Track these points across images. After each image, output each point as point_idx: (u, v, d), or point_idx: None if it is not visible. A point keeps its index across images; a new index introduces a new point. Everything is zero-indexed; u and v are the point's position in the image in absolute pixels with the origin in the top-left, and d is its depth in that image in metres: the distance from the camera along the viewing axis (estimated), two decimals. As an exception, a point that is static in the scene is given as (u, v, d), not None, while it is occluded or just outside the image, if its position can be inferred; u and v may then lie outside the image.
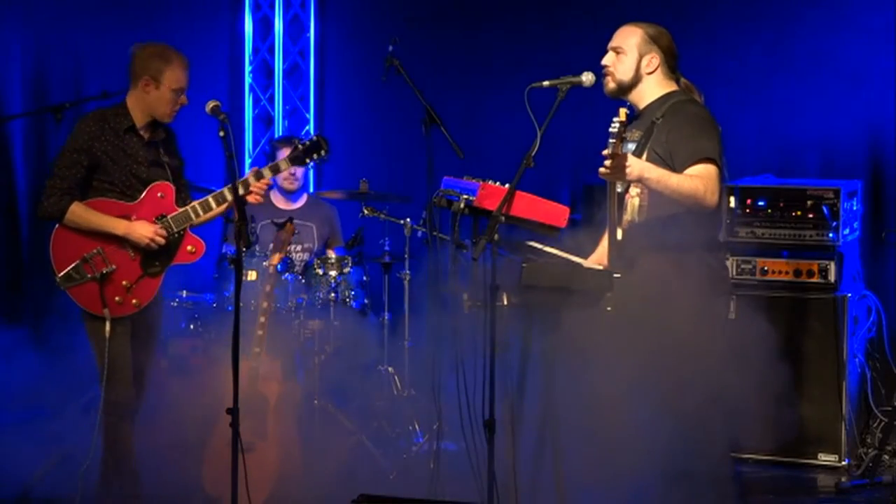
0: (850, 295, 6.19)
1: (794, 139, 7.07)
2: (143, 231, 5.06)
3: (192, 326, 6.57)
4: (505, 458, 4.41)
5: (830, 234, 6.14)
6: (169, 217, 5.13)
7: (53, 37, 7.46)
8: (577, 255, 4.55)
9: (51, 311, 5.83)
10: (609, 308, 4.32)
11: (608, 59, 4.64)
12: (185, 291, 6.60)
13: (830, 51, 6.95)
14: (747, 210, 6.28)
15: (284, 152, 6.50)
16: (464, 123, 7.01)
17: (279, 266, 5.89)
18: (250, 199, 5.12)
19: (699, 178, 4.36)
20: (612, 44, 4.65)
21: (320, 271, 6.55)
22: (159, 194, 5.16)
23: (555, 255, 4.49)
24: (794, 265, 6.22)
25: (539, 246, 4.57)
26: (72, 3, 7.52)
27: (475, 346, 4.34)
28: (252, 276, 6.15)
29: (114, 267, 5.08)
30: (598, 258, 4.68)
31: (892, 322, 6.56)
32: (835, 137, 6.97)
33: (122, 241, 5.08)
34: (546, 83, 4.42)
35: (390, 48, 5.75)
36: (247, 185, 5.10)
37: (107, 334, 5.03)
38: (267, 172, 5.17)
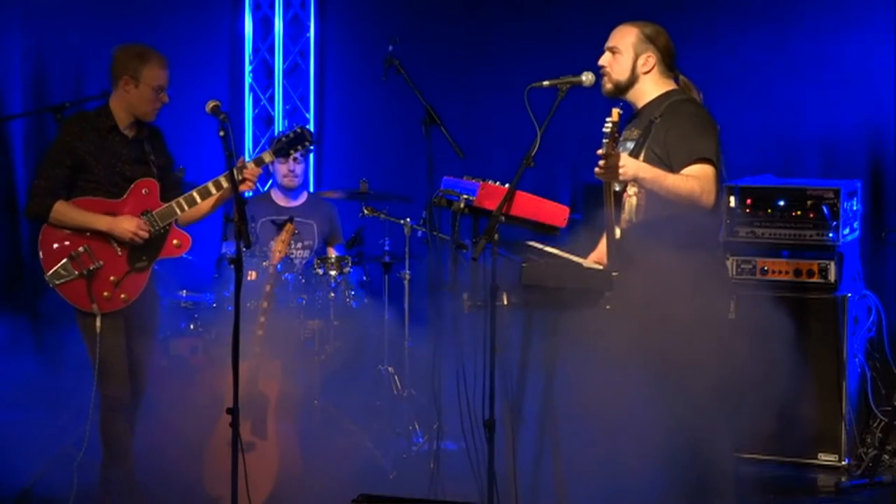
0: (850, 295, 6.19)
1: (795, 139, 7.07)
2: (127, 226, 5.11)
3: (192, 326, 6.57)
4: (505, 458, 4.41)
5: (830, 234, 6.14)
6: (153, 212, 5.18)
7: (53, 37, 7.47)
8: (577, 255, 4.55)
9: (51, 308, 5.83)
10: (608, 307, 4.32)
11: (605, 60, 4.63)
12: (185, 291, 6.61)
13: (830, 51, 6.95)
14: (747, 210, 6.28)
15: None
16: (464, 123, 7.01)
17: (279, 266, 5.89)
18: (244, 186, 5.15)
19: (695, 179, 4.35)
20: (609, 44, 4.64)
21: (320, 271, 6.55)
22: (144, 190, 5.21)
23: (555, 255, 4.49)
24: (794, 265, 6.22)
25: (539, 246, 4.57)
26: (72, 3, 7.53)
27: (475, 346, 4.34)
28: (252, 275, 6.15)
29: (101, 263, 5.12)
30: (598, 258, 4.68)
31: (892, 322, 6.56)
32: (835, 137, 6.96)
33: (107, 238, 5.14)
34: (546, 83, 4.42)
35: (390, 48, 5.76)
36: (234, 179, 5.10)
37: (97, 330, 5.10)
38: (251, 164, 5.22)
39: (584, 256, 4.64)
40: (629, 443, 4.38)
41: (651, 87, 4.61)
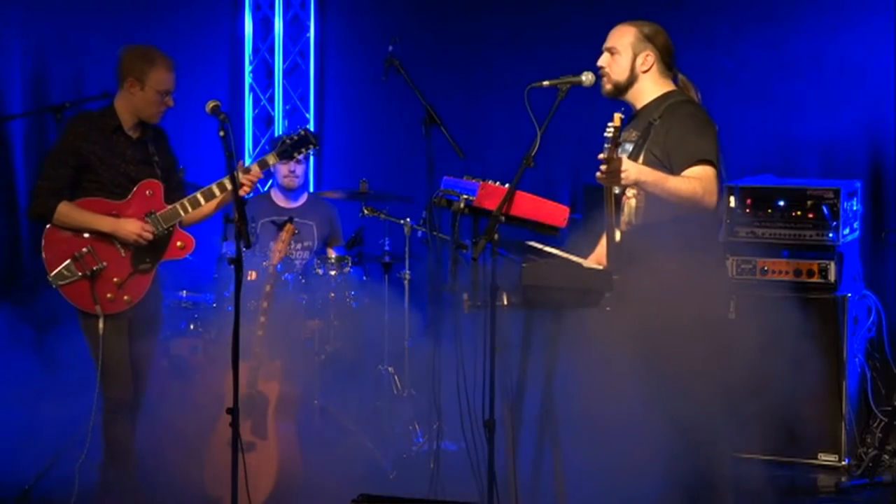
0: (850, 295, 6.18)
1: (794, 139, 7.07)
2: (130, 227, 5.10)
3: (192, 326, 6.57)
4: (505, 458, 4.41)
5: (830, 234, 6.14)
6: (157, 214, 5.17)
7: (53, 37, 7.47)
8: (577, 255, 4.55)
9: (51, 309, 5.82)
10: (608, 308, 4.32)
11: (603, 61, 4.61)
12: (185, 291, 6.60)
13: (830, 51, 6.96)
14: (747, 210, 6.28)
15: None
16: (464, 123, 7.01)
17: (279, 266, 5.89)
18: (241, 191, 5.14)
19: (697, 180, 4.34)
20: (607, 44, 4.62)
21: (320, 271, 6.55)
22: (148, 192, 5.20)
23: (555, 255, 4.49)
24: (794, 265, 6.22)
25: (539, 246, 4.57)
26: (72, 3, 7.53)
27: (475, 346, 4.34)
28: (252, 275, 6.15)
29: (104, 264, 5.11)
30: (598, 258, 4.68)
31: (892, 322, 6.56)
32: (835, 137, 6.97)
33: (111, 239, 5.13)
34: (546, 83, 4.41)
35: (390, 48, 5.76)
36: (235, 180, 5.11)
37: (100, 331, 5.08)
38: (255, 167, 5.20)
39: (584, 257, 4.64)
40: (629, 443, 4.38)
41: (650, 87, 4.59)
